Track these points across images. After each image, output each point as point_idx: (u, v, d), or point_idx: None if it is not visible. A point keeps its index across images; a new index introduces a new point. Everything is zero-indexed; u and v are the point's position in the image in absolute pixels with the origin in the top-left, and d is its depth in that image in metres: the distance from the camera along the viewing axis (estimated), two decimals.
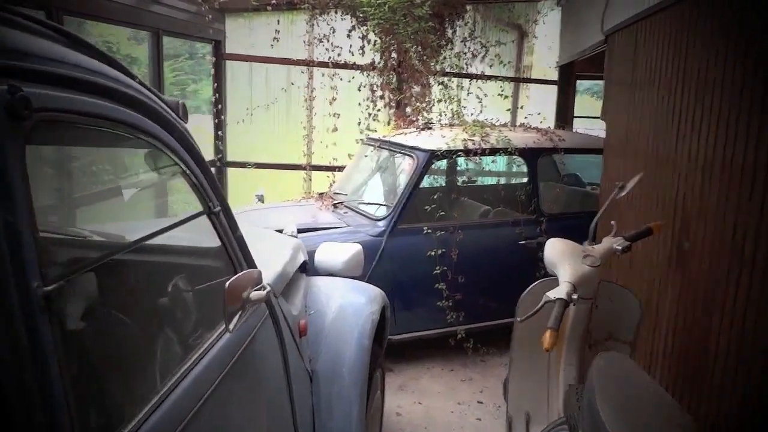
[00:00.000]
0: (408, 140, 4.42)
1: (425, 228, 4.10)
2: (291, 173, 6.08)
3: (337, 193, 4.76)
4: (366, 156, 4.86)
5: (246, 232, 2.92)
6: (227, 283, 1.35)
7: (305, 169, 5.91)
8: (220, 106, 5.69)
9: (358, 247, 3.24)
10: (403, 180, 4.24)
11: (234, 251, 1.61)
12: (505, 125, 5.22)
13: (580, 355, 2.63)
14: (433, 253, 4.06)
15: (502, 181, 6.41)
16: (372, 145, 4.81)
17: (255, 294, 1.46)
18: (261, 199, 5.12)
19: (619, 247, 2.54)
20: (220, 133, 5.75)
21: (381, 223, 4.09)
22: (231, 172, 6.06)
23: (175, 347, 1.36)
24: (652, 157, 3.14)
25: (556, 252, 2.56)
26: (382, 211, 4.21)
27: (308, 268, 3.06)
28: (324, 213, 4.48)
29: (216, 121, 5.77)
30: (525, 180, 4.50)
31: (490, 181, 5.80)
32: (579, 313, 2.51)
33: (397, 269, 4.04)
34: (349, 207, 4.45)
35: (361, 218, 4.25)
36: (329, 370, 2.29)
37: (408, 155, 4.31)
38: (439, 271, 4.07)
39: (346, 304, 2.54)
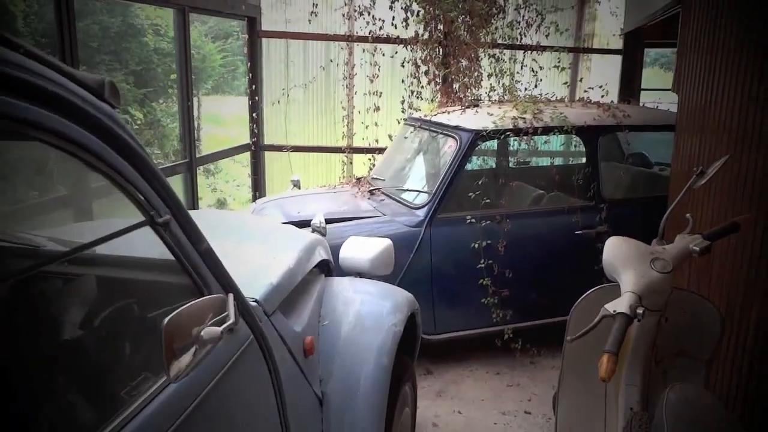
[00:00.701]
0: (451, 119, 4.00)
1: (469, 217, 3.69)
2: (330, 156, 5.76)
3: (375, 179, 4.40)
4: (406, 137, 4.47)
5: (254, 228, 2.62)
6: (165, 320, 1.02)
7: (344, 151, 5.57)
8: (254, 87, 5.40)
9: (388, 242, 2.88)
10: (444, 164, 3.83)
11: (195, 270, 1.27)
12: (561, 100, 4.71)
13: (644, 374, 2.19)
14: (477, 245, 3.66)
15: (558, 161, 5.91)
16: (413, 125, 4.41)
17: (208, 331, 1.12)
18: (297, 184, 4.85)
19: (697, 248, 2.08)
20: (254, 115, 5.47)
21: (419, 212, 3.71)
22: (268, 155, 5.79)
23: (95, 402, 1.04)
24: (737, 135, 2.63)
25: (618, 254, 2.12)
26: (422, 199, 3.82)
27: (332, 267, 2.73)
28: (359, 200, 4.13)
29: (251, 102, 5.49)
30: (583, 161, 4.00)
31: (544, 162, 5.30)
32: (644, 328, 2.07)
33: (437, 262, 3.66)
34: (387, 194, 4.09)
35: (398, 206, 3.88)
36: (341, 394, 1.96)
37: (450, 136, 3.89)
38: (484, 265, 3.66)
39: (366, 314, 2.19)
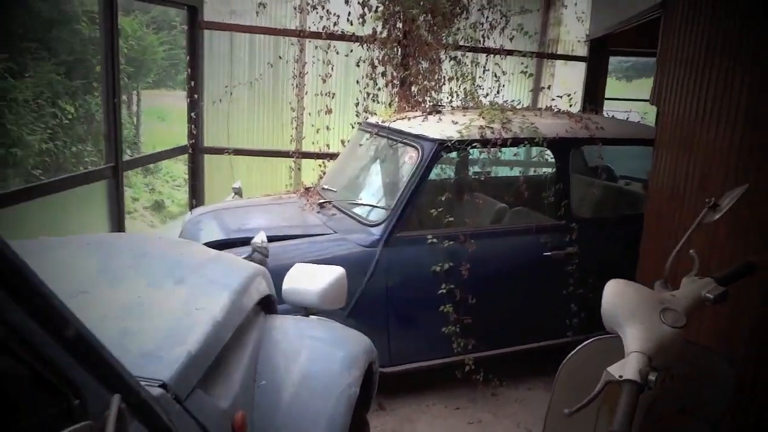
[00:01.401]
0: (412, 127, 3.62)
1: (429, 237, 3.31)
2: (277, 161, 5.29)
3: (326, 189, 3.97)
4: (361, 144, 4.06)
5: (179, 262, 2.14)
6: None
7: (292, 156, 5.11)
8: (193, 83, 4.88)
9: (340, 271, 2.47)
10: (404, 176, 3.44)
11: (57, 372, 0.82)
12: (528, 109, 4.40)
13: None
14: (438, 268, 3.28)
15: (521, 171, 5.62)
16: (368, 131, 4.01)
17: None
18: (238, 192, 4.38)
19: (711, 296, 1.74)
20: (193, 114, 4.95)
21: (375, 230, 3.31)
22: (208, 159, 5.27)
23: None
24: (738, 155, 2.33)
25: (621, 303, 1.77)
26: (378, 215, 3.42)
27: (274, 301, 2.30)
28: (308, 214, 3.70)
29: (189, 100, 4.97)
30: (551, 175, 3.67)
31: (507, 171, 4.99)
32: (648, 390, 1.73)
33: (394, 287, 3.26)
34: (339, 208, 3.67)
35: (351, 222, 3.47)
36: None
37: (411, 146, 3.50)
38: (445, 290, 3.29)
39: (314, 373, 1.76)
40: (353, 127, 4.61)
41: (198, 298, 1.61)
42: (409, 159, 3.46)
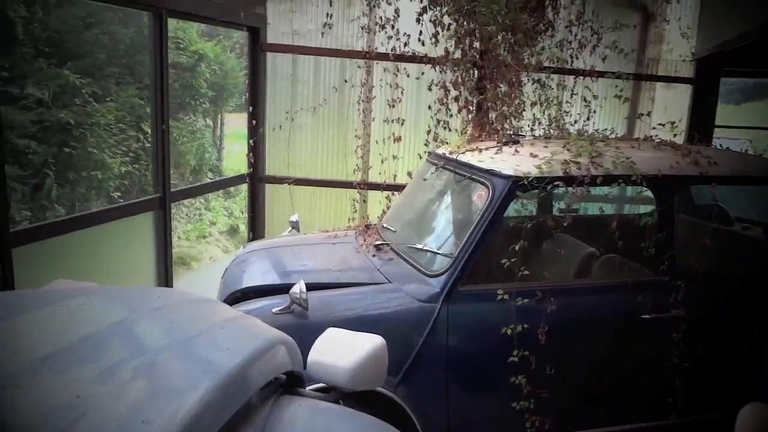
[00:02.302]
0: (482, 160, 3.11)
1: (500, 292, 2.78)
2: (340, 192, 4.91)
3: (386, 228, 3.53)
4: (425, 179, 3.59)
5: (187, 325, 1.75)
6: None
7: (356, 187, 4.72)
8: (252, 108, 4.61)
9: (379, 342, 2.01)
10: (471, 219, 2.94)
11: None
12: (622, 139, 3.78)
13: None
14: (510, 331, 2.74)
15: (610, 208, 4.94)
16: (435, 164, 3.53)
17: None
18: (295, 226, 4.04)
19: None
20: (251, 141, 4.67)
21: (436, 282, 2.82)
22: (269, 188, 4.97)
23: None
24: None
25: None
26: (440, 263, 2.93)
27: (300, 375, 1.91)
28: (362, 256, 3.27)
29: (250, 126, 4.70)
30: (651, 220, 3.03)
31: (596, 209, 4.36)
32: None
33: (456, 352, 2.76)
34: (397, 251, 3.21)
35: (409, 270, 3.00)
36: None
37: (481, 182, 3.00)
38: (517, 358, 2.74)
39: None
40: (421, 158, 4.15)
41: (158, 398, 1.20)
42: (478, 198, 2.96)
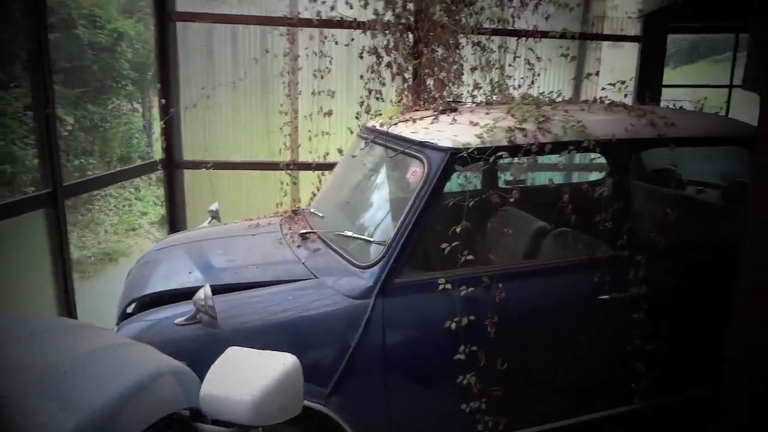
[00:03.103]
0: (416, 132, 2.73)
1: (441, 281, 2.43)
2: (268, 175, 4.45)
3: (313, 213, 3.13)
4: (354, 157, 3.19)
5: (60, 359, 1.35)
6: None
7: (284, 168, 4.27)
8: (161, 86, 4.08)
9: (291, 363, 1.61)
10: (406, 200, 2.56)
11: None
12: (570, 102, 3.45)
13: None
14: (454, 325, 2.39)
15: (562, 177, 4.66)
16: (365, 139, 3.13)
17: None
18: (215, 216, 3.61)
19: None
20: (162, 123, 4.15)
21: (367, 274, 2.44)
22: (190, 175, 4.47)
23: None
24: None
25: None
26: (372, 252, 2.55)
27: (198, 411, 1.53)
28: (285, 248, 2.86)
29: (161, 106, 4.18)
30: (607, 191, 2.70)
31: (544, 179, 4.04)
32: None
33: (394, 353, 2.40)
34: (325, 240, 2.81)
35: (337, 262, 2.61)
36: None
37: (414, 157, 2.62)
38: (465, 354, 2.40)
39: None
40: (352, 133, 3.74)
41: None
42: (413, 175, 2.58)
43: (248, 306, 2.38)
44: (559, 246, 2.83)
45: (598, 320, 2.64)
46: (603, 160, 2.93)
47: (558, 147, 2.57)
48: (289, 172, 4.40)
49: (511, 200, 2.53)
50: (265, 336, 2.27)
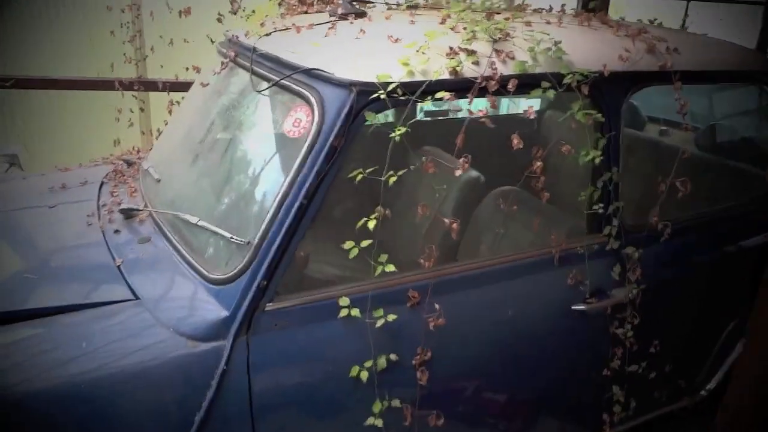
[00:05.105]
0: (300, 52, 1.66)
1: (343, 302, 1.49)
2: (103, 98, 3.21)
3: (148, 172, 2.04)
4: (205, 85, 2.08)
5: None
6: None
7: (119, 89, 3.04)
8: None
9: None
10: (282, 168, 1.56)
11: None
12: (523, 7, 2.47)
13: None
14: (364, 372, 1.50)
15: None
16: (225, 57, 2.01)
17: None
18: (14, 161, 2.45)
19: None
20: None
21: (222, 294, 1.46)
22: None
23: None
24: None
25: None
26: (230, 253, 1.54)
27: None
28: (93, 235, 1.79)
29: None
30: (588, 140, 1.82)
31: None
32: None
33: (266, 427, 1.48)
34: (158, 223, 1.77)
35: (172, 265, 1.60)
36: None
37: (299, 95, 1.57)
38: (380, 416, 1.53)
39: None
40: (213, 43, 2.58)
41: None
42: (294, 127, 1.55)
43: (14, 357, 1.35)
44: (505, 212, 1.96)
45: (571, 339, 1.84)
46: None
47: (527, 83, 1.63)
48: (134, 93, 3.18)
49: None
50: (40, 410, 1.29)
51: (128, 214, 1.83)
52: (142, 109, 3.22)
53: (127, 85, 3.10)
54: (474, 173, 2.09)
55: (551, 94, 1.61)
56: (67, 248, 1.73)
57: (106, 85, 3.08)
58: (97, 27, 3.07)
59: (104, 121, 3.13)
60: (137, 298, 1.51)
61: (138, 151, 2.57)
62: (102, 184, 2.14)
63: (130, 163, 2.31)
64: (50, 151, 2.78)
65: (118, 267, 1.62)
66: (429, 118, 3.03)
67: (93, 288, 1.55)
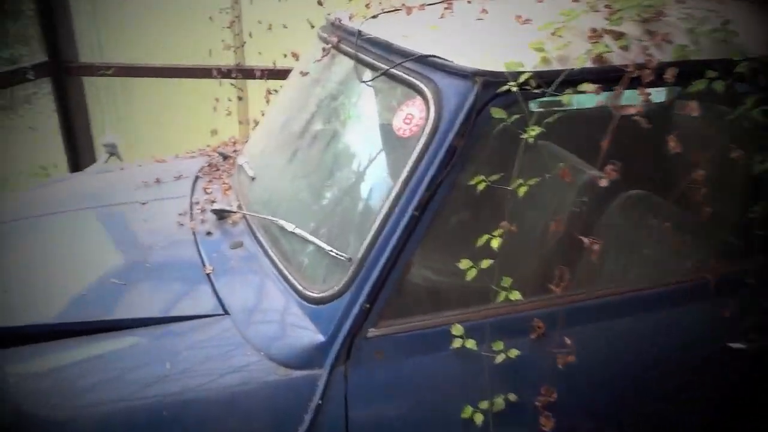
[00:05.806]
0: (412, 35, 1.44)
1: (456, 332, 1.27)
2: (201, 86, 3.15)
3: (244, 167, 1.90)
4: (304, 74, 1.90)
5: None
6: None
7: (217, 76, 2.95)
8: None
9: None
10: (392, 170, 1.35)
11: None
12: None
13: None
14: (480, 416, 1.28)
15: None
16: (327, 44, 1.82)
17: None
18: (113, 151, 2.41)
19: None
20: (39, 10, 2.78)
21: (320, 316, 1.28)
22: (91, 86, 3.14)
23: None
24: None
25: None
26: (331, 269, 1.36)
27: None
28: (183, 239, 1.66)
29: None
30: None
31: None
32: None
33: None
34: (252, 229, 1.62)
35: (266, 277, 1.44)
36: None
37: (412, 86, 1.36)
38: None
39: None
40: (313, 28, 2.42)
41: None
42: (407, 123, 1.33)
43: (84, 377, 1.24)
44: (634, 217, 1.66)
45: (718, 384, 1.53)
46: None
47: (689, 72, 1.33)
48: (232, 82, 3.11)
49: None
50: None
51: (221, 215, 1.70)
52: (240, 98, 3.14)
53: (225, 73, 3.03)
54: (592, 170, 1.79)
55: (719, 86, 1.31)
56: (157, 251, 1.61)
57: (203, 72, 3.01)
58: (194, 12, 3.01)
59: (202, 111, 3.07)
60: (226, 312, 1.37)
61: (234, 143, 2.46)
62: (196, 179, 2.03)
63: (225, 157, 2.20)
64: (149, 141, 2.74)
65: (208, 275, 1.48)
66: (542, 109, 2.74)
67: (180, 298, 1.43)
